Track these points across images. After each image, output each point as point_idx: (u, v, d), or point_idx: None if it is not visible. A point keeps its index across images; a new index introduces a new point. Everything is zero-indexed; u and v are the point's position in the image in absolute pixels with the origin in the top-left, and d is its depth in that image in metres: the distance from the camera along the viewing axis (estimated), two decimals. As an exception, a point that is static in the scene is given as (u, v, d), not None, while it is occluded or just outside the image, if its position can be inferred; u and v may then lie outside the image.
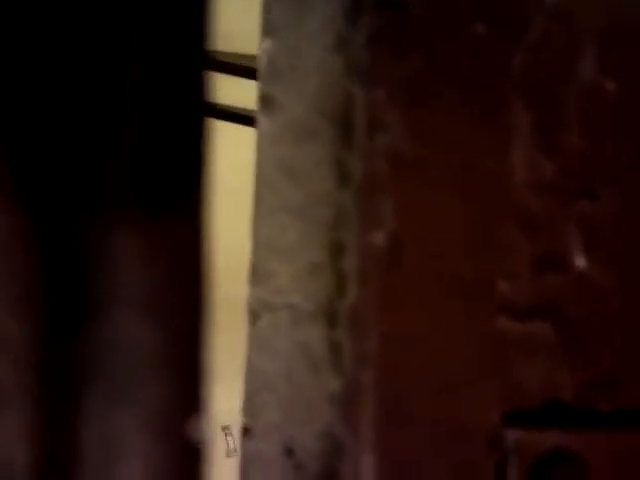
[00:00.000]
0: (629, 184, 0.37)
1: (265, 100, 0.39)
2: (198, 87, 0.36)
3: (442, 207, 0.34)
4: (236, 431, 0.41)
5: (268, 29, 0.41)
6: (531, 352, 0.35)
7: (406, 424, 0.33)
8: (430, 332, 0.34)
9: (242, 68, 1.48)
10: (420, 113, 0.34)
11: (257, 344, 0.39)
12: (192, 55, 0.35)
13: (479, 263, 0.35)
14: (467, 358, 0.34)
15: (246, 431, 0.38)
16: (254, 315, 0.39)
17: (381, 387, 0.33)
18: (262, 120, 0.39)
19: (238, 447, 0.40)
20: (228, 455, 1.72)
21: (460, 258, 0.34)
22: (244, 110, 1.58)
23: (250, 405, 0.39)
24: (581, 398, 0.35)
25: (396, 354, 0.33)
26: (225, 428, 1.65)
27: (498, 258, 0.35)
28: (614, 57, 0.37)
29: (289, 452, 0.37)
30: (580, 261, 0.36)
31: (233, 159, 1.19)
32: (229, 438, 1.71)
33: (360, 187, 0.33)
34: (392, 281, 0.33)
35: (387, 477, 0.33)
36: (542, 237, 0.36)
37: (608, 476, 0.35)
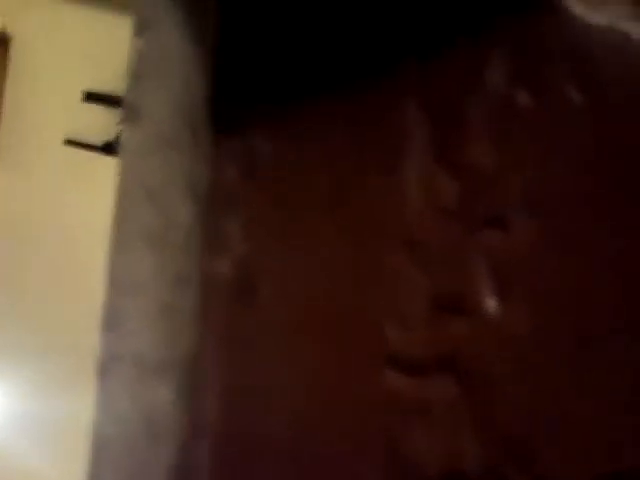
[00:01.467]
0: (545, 210, 0.30)
1: (130, 108, 0.33)
2: None
3: (311, 231, 0.27)
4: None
5: (140, 26, 0.35)
6: (427, 414, 0.28)
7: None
8: (290, 391, 0.26)
9: None
10: (287, 113, 0.27)
11: (103, 404, 0.31)
12: None
13: (360, 304, 0.27)
14: (342, 425, 0.26)
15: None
16: (102, 368, 0.31)
17: (219, 465, 0.24)
18: (127, 132, 0.33)
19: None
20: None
21: (334, 296, 0.27)
22: None
23: (94, 474, 0.31)
24: (489, 470, 0.28)
25: (240, 419, 0.25)
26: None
27: (386, 298, 0.28)
28: (527, 66, 0.32)
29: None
30: (489, 303, 0.29)
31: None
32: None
33: (205, 203, 0.25)
34: (240, 322, 0.25)
35: None
36: (441, 272, 0.29)
37: None
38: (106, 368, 0.31)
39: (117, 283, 0.32)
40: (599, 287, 0.30)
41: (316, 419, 0.26)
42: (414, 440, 0.28)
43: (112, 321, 0.32)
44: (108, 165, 1.45)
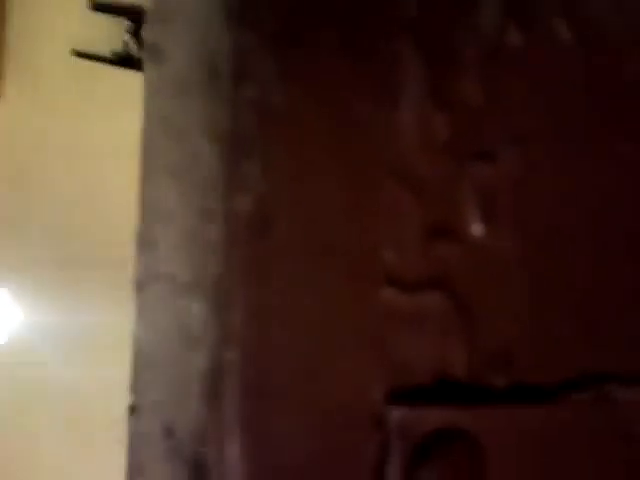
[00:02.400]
0: (531, 145, 0.34)
1: (152, 48, 0.36)
2: None
3: (319, 168, 0.31)
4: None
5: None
6: (420, 326, 0.33)
7: (277, 406, 0.31)
8: (304, 305, 0.31)
9: None
10: (294, 60, 0.30)
11: (142, 317, 0.36)
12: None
13: (361, 230, 0.32)
14: (347, 333, 0.31)
15: (132, 410, 0.35)
16: (139, 285, 0.36)
17: (247, 367, 0.30)
18: (150, 70, 0.36)
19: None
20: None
21: (339, 225, 0.31)
22: None
23: (136, 382, 0.36)
24: (474, 374, 0.33)
25: (264, 330, 0.30)
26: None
27: (383, 225, 0.32)
28: (520, 7, 0.34)
29: (169, 433, 0.35)
30: (476, 229, 0.34)
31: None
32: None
33: (226, 146, 0.29)
34: (260, 250, 0.30)
35: (256, 466, 0.30)
36: (434, 202, 0.33)
37: (502, 455, 0.33)
38: (142, 285, 0.36)
39: (148, 211, 0.36)
40: (582, 214, 0.34)
41: (323, 328, 0.31)
42: (407, 347, 0.33)
43: (145, 244, 0.37)
44: (116, 76, 1.46)
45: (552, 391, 0.34)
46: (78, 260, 1.50)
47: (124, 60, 1.45)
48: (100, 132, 1.49)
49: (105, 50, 1.54)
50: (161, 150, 0.37)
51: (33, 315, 1.53)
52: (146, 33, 0.38)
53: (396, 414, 0.32)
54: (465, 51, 0.34)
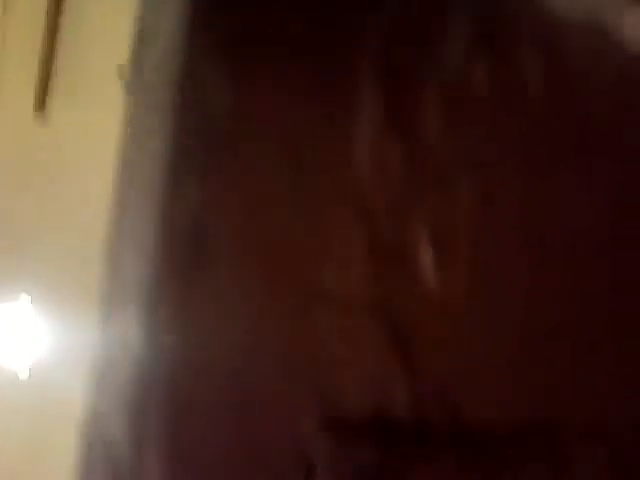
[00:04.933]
0: (488, 175, 0.33)
1: (135, 59, 0.36)
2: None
3: (261, 181, 0.30)
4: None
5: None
6: (356, 353, 0.31)
7: (202, 434, 0.29)
8: (231, 322, 0.30)
9: None
10: (246, 70, 0.30)
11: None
12: None
13: (303, 246, 0.31)
14: (278, 355, 0.30)
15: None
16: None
17: (170, 384, 0.29)
18: (131, 81, 0.36)
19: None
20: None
21: (280, 239, 0.30)
22: None
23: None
24: (412, 409, 0.31)
25: (187, 349, 0.29)
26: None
27: (327, 244, 0.31)
28: (488, 43, 0.33)
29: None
30: (424, 257, 0.32)
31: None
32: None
33: (166, 152, 0.29)
34: (193, 260, 0.29)
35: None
36: (383, 227, 0.32)
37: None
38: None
39: (116, 230, 0.36)
40: (534, 251, 0.32)
41: (255, 350, 0.30)
42: (342, 374, 0.31)
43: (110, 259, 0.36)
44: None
45: (498, 440, 0.32)
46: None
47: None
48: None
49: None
50: (129, 151, 0.37)
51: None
52: (131, 54, 0.38)
53: (324, 446, 0.31)
54: (426, 82, 0.33)
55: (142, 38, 0.38)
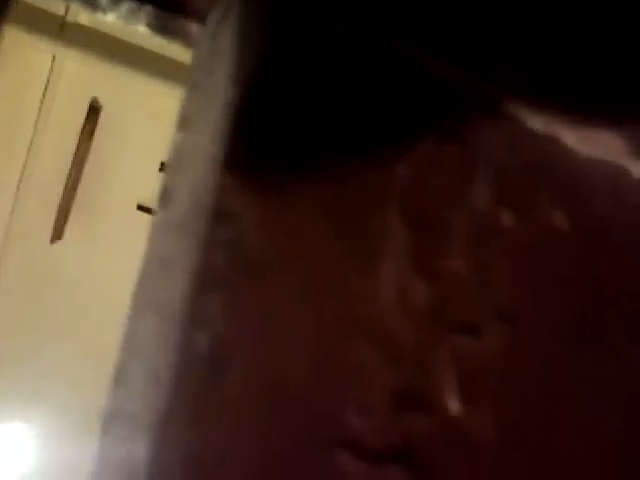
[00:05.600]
0: (518, 323, 0.32)
1: (164, 191, 0.38)
2: None
3: (286, 316, 0.30)
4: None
5: (182, 123, 0.40)
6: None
7: None
8: (249, 460, 0.29)
9: None
10: (275, 207, 0.31)
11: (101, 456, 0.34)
12: None
13: (324, 387, 0.30)
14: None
15: None
16: (104, 426, 0.35)
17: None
18: (158, 212, 0.37)
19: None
20: None
21: (301, 376, 0.30)
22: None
23: None
24: None
25: None
26: None
27: (350, 385, 0.30)
28: (515, 191, 0.34)
29: None
30: (451, 405, 0.31)
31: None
32: None
33: (193, 280, 0.29)
34: (211, 392, 0.28)
35: None
36: (408, 370, 0.31)
37: None
38: (107, 425, 0.34)
39: (126, 347, 0.36)
40: (565, 405, 0.32)
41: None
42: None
43: (117, 381, 0.36)
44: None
45: None
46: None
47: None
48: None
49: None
50: (150, 284, 0.37)
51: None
52: (161, 180, 0.40)
53: None
54: (454, 224, 0.33)
55: (172, 172, 0.39)
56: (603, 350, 0.32)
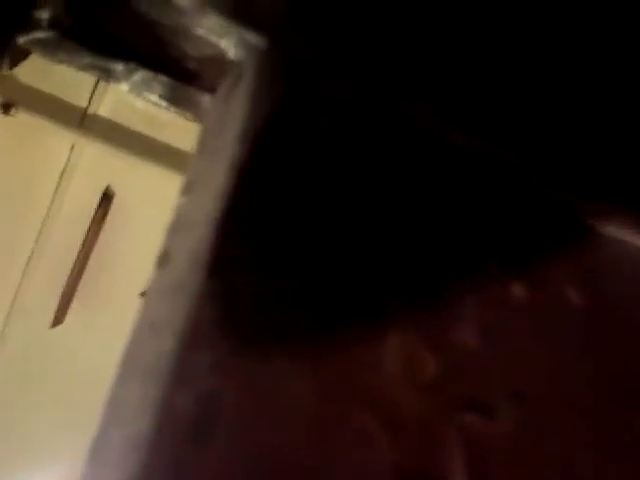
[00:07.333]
0: (531, 405, 0.30)
1: (162, 254, 0.36)
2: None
3: (280, 380, 0.28)
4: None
5: (186, 187, 0.39)
6: None
7: None
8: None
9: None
10: (275, 272, 0.29)
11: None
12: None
13: (322, 459, 0.27)
14: None
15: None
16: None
17: None
18: (155, 274, 0.36)
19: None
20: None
21: (295, 445, 0.27)
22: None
23: None
24: None
25: None
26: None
27: (350, 462, 0.28)
28: (528, 266, 0.33)
29: None
30: (457, 484, 0.28)
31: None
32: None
33: (178, 337, 0.27)
34: (196, 459, 0.25)
35: None
36: (414, 448, 0.28)
37: None
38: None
39: (108, 413, 0.33)
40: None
41: None
42: None
43: (94, 452, 0.33)
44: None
45: None
46: None
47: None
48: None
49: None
50: (139, 347, 0.35)
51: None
52: (162, 242, 0.39)
53: None
54: (465, 297, 0.32)
55: (172, 234, 0.38)
56: (618, 434, 0.30)
